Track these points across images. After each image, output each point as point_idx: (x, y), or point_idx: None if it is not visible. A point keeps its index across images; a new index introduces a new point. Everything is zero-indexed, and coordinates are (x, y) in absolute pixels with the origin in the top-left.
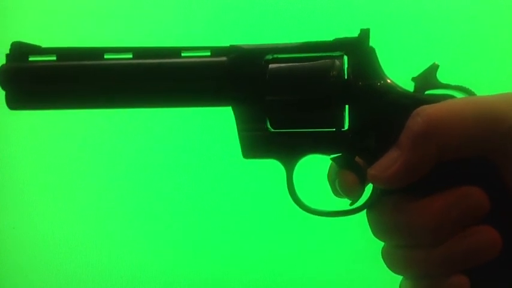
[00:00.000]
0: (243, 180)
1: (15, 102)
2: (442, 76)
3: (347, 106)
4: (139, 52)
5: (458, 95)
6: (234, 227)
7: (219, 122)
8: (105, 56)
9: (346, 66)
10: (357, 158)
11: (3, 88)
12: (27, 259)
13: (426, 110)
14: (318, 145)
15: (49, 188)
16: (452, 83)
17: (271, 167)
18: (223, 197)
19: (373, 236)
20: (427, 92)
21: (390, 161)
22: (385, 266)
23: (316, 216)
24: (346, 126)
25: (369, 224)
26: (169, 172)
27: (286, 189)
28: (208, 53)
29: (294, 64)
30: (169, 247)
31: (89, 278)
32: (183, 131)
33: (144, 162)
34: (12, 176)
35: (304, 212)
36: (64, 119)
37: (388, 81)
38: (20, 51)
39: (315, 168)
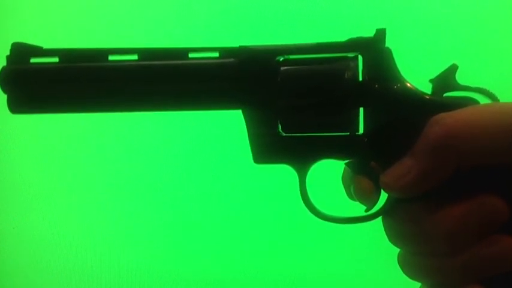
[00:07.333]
0: (250, 182)
1: (17, 106)
2: (461, 78)
3: (362, 109)
4: (145, 53)
5: (479, 97)
6: (237, 228)
7: (230, 125)
8: (110, 58)
9: (361, 67)
10: (373, 164)
11: (4, 91)
12: (27, 259)
13: (445, 119)
14: (331, 150)
15: (49, 188)
16: (472, 85)
17: (282, 170)
18: (229, 199)
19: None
20: (445, 95)
21: (404, 169)
22: (396, 268)
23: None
24: (361, 131)
25: (385, 230)
26: (171, 174)
27: (296, 193)
28: (217, 54)
29: (306, 66)
30: (169, 247)
31: (89, 278)
32: (189, 133)
33: (145, 162)
34: (12, 176)
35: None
36: (64, 119)
37: (407, 84)
38: (20, 52)
39: (329, 171)
